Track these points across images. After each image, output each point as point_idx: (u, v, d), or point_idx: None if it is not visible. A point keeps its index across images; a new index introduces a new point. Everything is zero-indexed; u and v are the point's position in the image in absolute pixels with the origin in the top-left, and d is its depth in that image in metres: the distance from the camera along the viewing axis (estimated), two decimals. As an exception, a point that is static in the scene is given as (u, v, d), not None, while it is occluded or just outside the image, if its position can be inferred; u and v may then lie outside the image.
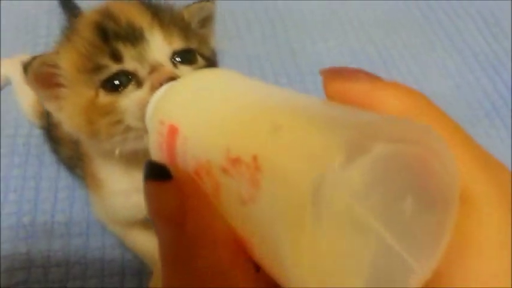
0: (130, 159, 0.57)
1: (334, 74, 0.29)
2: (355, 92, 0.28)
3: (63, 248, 0.76)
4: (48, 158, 0.84)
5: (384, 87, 0.27)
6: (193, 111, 0.32)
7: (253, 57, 1.07)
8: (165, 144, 0.32)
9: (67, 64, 0.53)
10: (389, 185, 0.22)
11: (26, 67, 0.52)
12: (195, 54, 0.55)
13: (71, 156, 0.73)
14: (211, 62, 0.58)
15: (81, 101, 0.52)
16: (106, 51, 0.51)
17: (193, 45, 0.55)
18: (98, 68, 0.51)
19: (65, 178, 0.82)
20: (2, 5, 1.12)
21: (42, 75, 0.53)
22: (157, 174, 0.29)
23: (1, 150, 0.85)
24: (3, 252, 0.74)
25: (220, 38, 1.06)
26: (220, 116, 0.29)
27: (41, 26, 1.06)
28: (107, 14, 0.54)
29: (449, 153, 0.23)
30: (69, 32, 0.55)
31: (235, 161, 0.26)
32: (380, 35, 1.12)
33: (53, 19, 1.08)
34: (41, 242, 0.76)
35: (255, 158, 0.24)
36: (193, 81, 0.35)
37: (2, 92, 0.96)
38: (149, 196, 0.29)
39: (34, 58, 0.53)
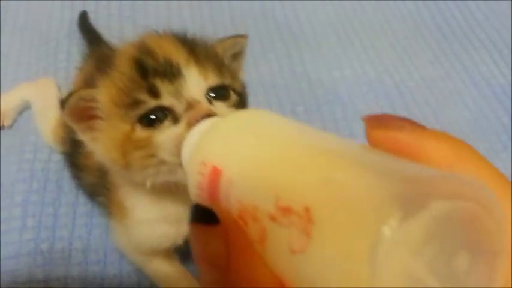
0: (159, 189, 0.57)
1: (377, 122, 0.29)
2: (399, 141, 0.28)
3: (80, 275, 0.75)
4: (67, 183, 0.84)
5: (428, 137, 0.27)
6: (238, 154, 0.32)
7: (270, 86, 1.07)
8: (207, 185, 0.33)
9: (105, 98, 0.54)
10: (443, 240, 0.22)
11: (63, 103, 0.53)
12: (228, 90, 0.55)
13: (94, 183, 0.73)
14: (242, 97, 0.59)
15: (117, 134, 0.53)
16: (144, 87, 0.51)
17: (227, 80, 0.56)
18: (135, 103, 0.51)
19: (83, 204, 0.83)
20: (23, 29, 1.14)
21: (78, 109, 0.54)
22: (204, 218, 0.29)
23: (20, 175, 0.85)
24: (20, 278, 0.74)
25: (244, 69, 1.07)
26: (268, 161, 0.30)
27: (61, 51, 1.07)
28: (145, 50, 0.55)
29: (499, 206, 0.23)
30: (107, 66, 0.55)
31: (286, 210, 0.26)
32: (396, 65, 1.13)
33: (73, 44, 1.09)
34: (58, 269, 0.75)
35: (307, 209, 0.25)
36: (236, 122, 0.36)
37: (21, 116, 0.97)
38: (195, 239, 0.30)
39: (70, 94, 0.54)
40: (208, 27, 1.19)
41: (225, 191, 0.31)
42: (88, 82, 0.61)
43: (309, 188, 0.26)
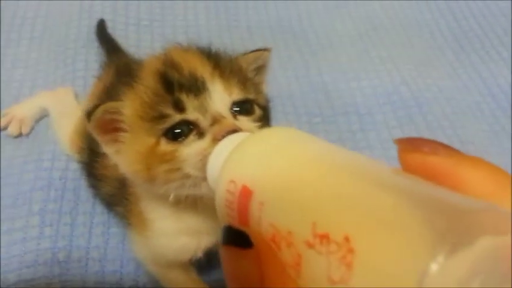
0: (181, 202, 0.57)
1: (411, 146, 0.28)
2: (435, 167, 0.27)
3: (96, 285, 0.75)
4: (85, 192, 0.84)
5: (466, 163, 0.27)
6: (270, 175, 0.31)
7: (287, 97, 1.07)
8: (237, 205, 0.32)
9: (130, 111, 0.54)
10: (488, 274, 0.22)
11: (89, 115, 0.53)
12: (252, 105, 0.56)
13: (112, 193, 0.73)
14: (266, 111, 0.59)
15: (141, 147, 0.53)
16: (169, 101, 0.52)
17: (251, 95, 0.56)
18: (160, 117, 0.51)
19: (100, 214, 0.82)
20: (42, 38, 1.15)
21: (104, 121, 0.54)
22: (237, 240, 0.29)
23: (38, 183, 0.85)
24: (37, 288, 0.73)
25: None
26: (303, 184, 0.29)
27: (79, 60, 1.07)
28: (170, 64, 0.55)
29: None
30: (132, 79, 0.56)
31: (323, 238, 0.25)
32: (413, 76, 1.12)
33: (91, 53, 1.09)
34: (75, 279, 0.75)
35: (347, 238, 0.24)
36: (266, 140, 0.35)
37: (39, 124, 0.97)
38: (227, 261, 0.29)
39: (96, 106, 0.54)
40: (225, 37, 1.20)
41: (256, 213, 0.30)
42: (110, 94, 0.61)
43: (348, 216, 0.25)
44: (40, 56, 1.11)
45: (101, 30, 1.11)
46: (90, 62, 1.07)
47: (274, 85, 1.08)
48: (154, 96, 0.53)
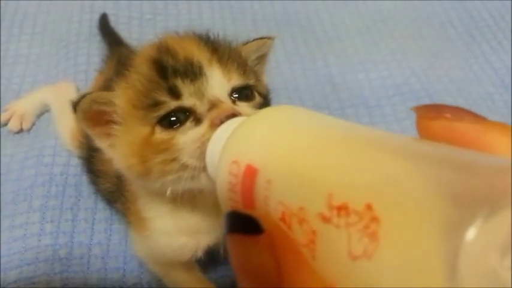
0: (179, 199, 0.54)
1: (432, 112, 0.26)
2: (459, 133, 0.25)
3: (99, 283, 0.73)
4: (86, 188, 0.82)
5: (493, 129, 0.25)
6: (276, 150, 0.29)
7: (293, 90, 1.04)
8: (240, 186, 0.30)
9: (122, 100, 0.51)
10: None
11: (75, 105, 0.51)
12: (252, 91, 0.53)
13: (111, 190, 0.70)
14: (266, 100, 0.56)
15: (135, 138, 0.50)
16: (164, 87, 0.49)
17: (251, 81, 0.53)
18: (155, 104, 0.49)
19: (102, 210, 0.80)
20: (43, 34, 1.13)
21: (92, 113, 0.52)
22: (245, 227, 0.26)
23: (38, 179, 0.83)
24: (38, 285, 0.71)
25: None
26: (314, 156, 0.27)
27: (81, 54, 1.06)
28: (164, 50, 0.52)
29: None
30: (124, 68, 0.53)
31: (341, 209, 0.23)
32: (424, 67, 1.09)
33: (93, 47, 1.08)
34: (77, 277, 0.73)
35: (369, 206, 0.22)
36: (268, 117, 0.33)
37: (40, 119, 0.96)
38: (236, 252, 0.26)
39: (83, 96, 0.51)
40: (230, 30, 1.17)
41: (263, 192, 0.28)
42: (106, 86, 0.58)
43: (369, 183, 0.23)
44: (41, 51, 1.10)
45: (104, 24, 1.09)
46: (92, 56, 1.05)
47: (281, 78, 1.06)
48: (148, 83, 0.50)
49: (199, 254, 0.63)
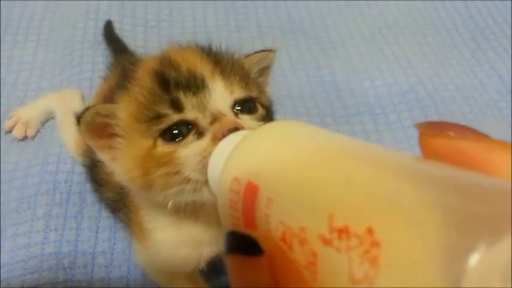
0: (180, 210, 0.54)
1: (435, 130, 0.26)
2: (462, 152, 0.25)
3: (102, 292, 0.73)
4: (90, 196, 0.82)
5: (496, 148, 0.24)
6: (278, 168, 0.29)
7: (298, 97, 1.04)
8: (242, 204, 0.29)
9: (124, 113, 0.51)
10: None
11: (79, 118, 0.50)
12: (255, 103, 0.53)
13: (114, 199, 0.70)
14: (269, 112, 0.56)
15: (137, 151, 0.50)
16: (166, 100, 0.49)
17: (253, 93, 0.53)
18: (157, 117, 0.48)
19: (106, 218, 0.80)
20: (48, 40, 1.13)
21: (95, 125, 0.52)
22: (245, 247, 0.26)
23: (43, 187, 0.83)
24: (41, 295, 0.71)
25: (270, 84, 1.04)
26: (316, 175, 0.26)
27: (86, 61, 1.05)
28: (167, 62, 0.52)
29: None
30: (126, 81, 0.53)
31: (342, 232, 0.22)
32: (429, 75, 1.08)
33: (98, 54, 1.07)
34: (81, 286, 0.73)
35: (370, 230, 0.21)
36: (269, 134, 0.33)
37: (44, 126, 0.95)
38: (235, 273, 0.26)
39: (87, 109, 0.51)
40: (235, 37, 1.17)
41: (263, 210, 0.27)
42: (107, 98, 0.58)
43: (370, 206, 0.23)
44: (46, 58, 1.10)
45: (108, 31, 1.09)
46: (97, 63, 1.05)
47: (285, 85, 1.06)
48: (150, 96, 0.50)
49: (202, 265, 0.62)
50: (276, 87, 1.05)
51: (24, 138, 0.92)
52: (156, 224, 0.60)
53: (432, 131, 0.26)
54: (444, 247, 0.19)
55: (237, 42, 1.12)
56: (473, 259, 0.18)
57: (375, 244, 0.21)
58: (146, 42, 1.12)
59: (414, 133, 0.86)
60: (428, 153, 0.26)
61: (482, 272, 0.18)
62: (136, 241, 0.67)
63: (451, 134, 0.25)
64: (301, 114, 1.00)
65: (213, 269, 0.66)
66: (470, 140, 0.25)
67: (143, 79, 0.52)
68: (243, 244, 0.26)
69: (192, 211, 0.54)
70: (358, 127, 0.99)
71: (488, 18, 1.23)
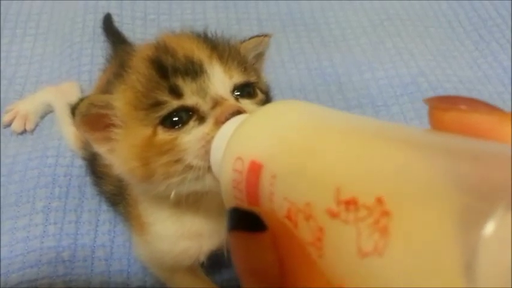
0: (180, 203, 0.53)
1: (446, 103, 0.25)
2: (475, 125, 0.24)
3: (102, 286, 0.72)
4: (90, 189, 0.81)
5: (510, 120, 0.24)
6: (281, 145, 0.28)
7: (299, 90, 1.03)
8: (245, 183, 0.29)
9: (121, 102, 0.50)
10: None
11: (73, 110, 0.49)
12: (254, 88, 0.52)
13: (114, 192, 0.69)
14: (268, 96, 0.55)
15: (137, 140, 0.48)
16: (165, 87, 0.47)
17: (252, 78, 0.52)
18: (156, 105, 0.47)
19: (106, 211, 0.79)
20: (47, 34, 1.12)
21: (90, 116, 0.50)
22: (247, 224, 0.25)
23: (42, 180, 0.82)
24: (40, 288, 0.70)
25: (265, 70, 1.03)
26: (321, 150, 0.26)
27: (85, 54, 1.05)
28: (163, 49, 0.51)
29: None
30: (122, 69, 0.52)
31: (350, 203, 0.22)
32: (432, 67, 1.07)
33: (97, 47, 1.07)
34: (80, 279, 0.72)
35: (380, 200, 0.20)
36: (271, 113, 0.32)
37: (43, 120, 0.95)
38: (237, 250, 0.25)
39: (81, 100, 0.50)
40: (235, 30, 1.16)
41: (267, 188, 0.27)
42: (104, 89, 0.57)
43: (378, 176, 0.22)
44: (45, 52, 1.09)
45: (108, 24, 1.08)
46: (96, 56, 1.04)
47: (286, 77, 1.05)
48: (148, 83, 0.48)
49: (202, 258, 0.62)
50: (277, 80, 1.04)
51: (23, 131, 0.92)
52: (156, 217, 0.59)
53: (443, 104, 0.25)
54: (458, 215, 0.18)
55: (237, 35, 1.11)
56: (490, 226, 0.17)
57: (385, 214, 0.20)
58: (145, 35, 1.11)
59: (418, 124, 0.85)
60: (439, 127, 0.25)
61: (500, 240, 0.17)
62: (135, 235, 0.66)
63: (463, 107, 0.25)
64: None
65: (214, 263, 0.66)
66: (483, 113, 0.24)
67: (139, 67, 0.50)
68: (246, 220, 0.25)
69: (192, 202, 0.54)
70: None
71: (491, 10, 1.22)
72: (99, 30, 1.09)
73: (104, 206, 0.79)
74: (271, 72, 1.05)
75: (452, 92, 1.01)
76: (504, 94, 1.03)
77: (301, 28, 1.18)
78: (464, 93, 1.01)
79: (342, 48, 1.13)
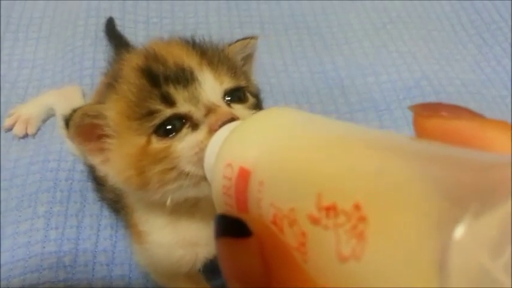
0: (175, 211, 0.53)
1: (429, 111, 0.26)
2: (458, 131, 0.24)
3: (104, 291, 0.72)
4: (91, 194, 0.81)
5: (492, 127, 0.24)
6: (269, 152, 0.29)
7: (301, 93, 1.03)
8: (234, 190, 0.29)
9: (113, 112, 0.50)
10: None
11: (67, 121, 0.49)
12: (244, 92, 0.52)
13: (115, 200, 0.69)
14: (258, 99, 0.55)
15: (131, 149, 0.49)
16: (157, 96, 0.48)
17: (242, 82, 0.52)
18: (149, 114, 0.48)
19: (108, 216, 0.79)
20: (49, 38, 1.12)
21: (84, 127, 0.50)
22: (233, 230, 0.25)
23: (43, 185, 0.82)
24: (42, 294, 0.70)
25: (267, 74, 1.03)
26: (305, 157, 0.26)
27: (87, 58, 1.04)
28: (153, 57, 0.51)
29: None
30: (113, 79, 0.52)
31: (330, 209, 0.22)
32: (435, 70, 1.07)
33: (99, 51, 1.06)
34: (82, 284, 0.72)
35: (357, 206, 0.21)
36: (261, 120, 0.33)
37: (45, 124, 0.94)
38: (224, 255, 0.25)
39: (74, 111, 0.50)
40: (237, 33, 1.16)
41: (255, 194, 0.27)
42: (97, 99, 0.57)
43: (357, 182, 0.22)
44: (47, 55, 1.09)
45: (110, 27, 1.08)
46: (98, 60, 1.04)
47: (289, 81, 1.05)
48: (140, 92, 0.49)
49: (198, 266, 0.62)
50: (279, 84, 1.04)
51: (25, 135, 0.91)
52: (151, 225, 0.60)
53: (426, 111, 0.26)
54: (431, 219, 0.19)
55: (240, 38, 1.11)
56: (460, 229, 0.17)
57: (362, 219, 0.21)
58: (148, 39, 1.11)
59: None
60: (423, 134, 0.26)
61: (470, 243, 0.17)
62: (134, 242, 0.66)
63: (445, 114, 0.25)
64: (304, 109, 0.98)
65: (214, 267, 0.65)
66: (465, 119, 0.25)
67: (130, 76, 0.51)
68: (231, 227, 0.25)
69: (188, 210, 0.54)
70: (362, 123, 0.97)
71: (494, 13, 1.22)
72: (101, 34, 1.09)
73: (106, 211, 0.79)
74: (273, 76, 1.05)
75: (455, 96, 1.01)
76: (507, 98, 1.02)
77: (303, 31, 1.18)
78: (467, 96, 1.01)
79: (344, 52, 1.13)
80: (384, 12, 1.23)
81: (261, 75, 0.92)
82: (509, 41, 1.15)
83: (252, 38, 0.60)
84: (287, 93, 1.01)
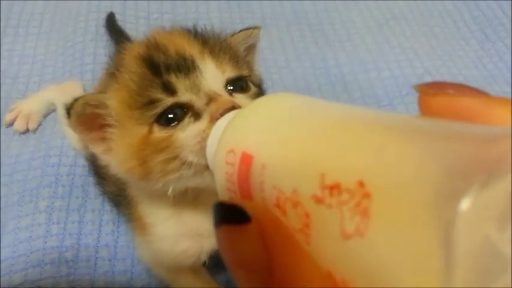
0: (180, 200, 0.52)
1: (435, 89, 0.26)
2: (463, 108, 0.25)
3: (106, 286, 0.71)
4: (93, 189, 0.80)
5: (497, 103, 0.24)
6: (271, 136, 0.29)
7: (304, 89, 1.02)
8: (237, 175, 0.29)
9: (115, 102, 0.50)
10: None
11: (69, 110, 0.49)
12: (247, 82, 0.52)
13: (116, 193, 0.69)
14: (261, 89, 0.55)
15: (133, 139, 0.48)
16: (158, 84, 0.47)
17: (244, 72, 0.52)
18: (150, 103, 0.47)
19: (109, 211, 0.78)
20: (50, 34, 1.12)
21: (86, 116, 0.50)
22: (232, 217, 0.25)
23: (45, 180, 0.82)
24: (44, 289, 0.69)
25: (269, 69, 1.03)
26: (307, 138, 0.26)
27: (88, 53, 1.04)
28: (154, 46, 0.51)
29: None
30: (115, 69, 0.51)
31: (334, 188, 0.22)
32: (437, 66, 1.07)
33: (99, 46, 1.06)
34: (84, 279, 0.71)
35: (361, 183, 0.21)
36: (262, 106, 0.33)
37: (46, 119, 0.94)
38: (224, 243, 0.25)
39: (76, 100, 0.49)
40: (238, 29, 1.15)
41: (258, 178, 0.27)
42: (100, 89, 0.57)
43: (359, 160, 0.22)
44: (48, 51, 1.08)
45: (111, 23, 1.07)
46: (99, 56, 1.03)
47: (291, 77, 1.04)
48: (141, 81, 0.48)
49: (203, 258, 0.61)
50: (281, 79, 1.04)
51: (26, 131, 0.91)
52: (155, 217, 0.59)
53: (431, 89, 0.26)
54: (435, 194, 0.18)
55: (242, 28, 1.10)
56: (465, 202, 0.17)
57: (366, 195, 0.20)
58: (149, 35, 1.10)
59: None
60: (428, 112, 0.26)
61: (476, 216, 0.17)
62: (136, 235, 0.66)
63: (451, 91, 0.25)
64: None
65: (218, 262, 0.65)
66: (471, 97, 0.25)
67: (131, 65, 0.50)
68: (230, 214, 0.25)
69: (192, 200, 0.53)
70: (365, 119, 0.97)
71: (497, 9, 1.22)
72: (102, 30, 1.08)
73: (107, 206, 0.79)
74: (276, 72, 1.05)
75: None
76: (510, 94, 1.02)
77: (305, 27, 1.17)
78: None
79: (347, 48, 1.13)
80: (386, 8, 1.23)
81: (263, 71, 0.91)
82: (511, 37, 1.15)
83: (254, 28, 0.59)
84: (289, 89, 1.01)
